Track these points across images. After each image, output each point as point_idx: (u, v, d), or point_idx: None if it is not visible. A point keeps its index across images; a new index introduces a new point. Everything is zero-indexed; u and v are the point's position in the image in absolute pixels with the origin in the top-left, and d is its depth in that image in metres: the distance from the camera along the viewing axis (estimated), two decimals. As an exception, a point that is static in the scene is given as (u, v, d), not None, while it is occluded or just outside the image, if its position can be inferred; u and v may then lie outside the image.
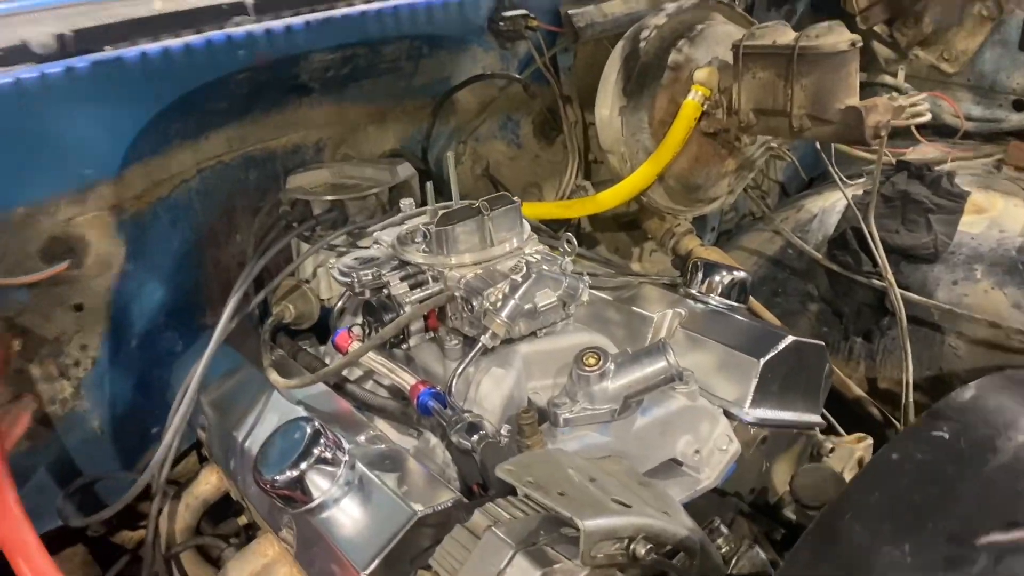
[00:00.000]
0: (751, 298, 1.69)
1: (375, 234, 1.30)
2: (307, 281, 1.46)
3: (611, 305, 1.32)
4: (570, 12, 1.67)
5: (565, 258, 1.23)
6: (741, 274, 1.34)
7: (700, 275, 1.34)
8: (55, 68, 1.20)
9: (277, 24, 1.38)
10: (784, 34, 1.43)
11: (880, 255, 1.56)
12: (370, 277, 1.20)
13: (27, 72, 1.18)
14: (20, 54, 1.23)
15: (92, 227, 1.30)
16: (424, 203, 1.32)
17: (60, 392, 1.34)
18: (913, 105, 1.44)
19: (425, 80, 1.67)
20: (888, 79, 2.15)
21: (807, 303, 1.83)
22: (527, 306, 1.14)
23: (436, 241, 1.19)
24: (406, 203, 1.36)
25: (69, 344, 1.33)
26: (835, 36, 1.36)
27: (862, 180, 1.91)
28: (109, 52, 1.25)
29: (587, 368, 1.04)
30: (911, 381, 1.52)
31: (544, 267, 1.18)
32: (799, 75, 1.38)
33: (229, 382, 1.32)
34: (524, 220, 1.26)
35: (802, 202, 2.01)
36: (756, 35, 1.45)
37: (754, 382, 1.15)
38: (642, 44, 1.56)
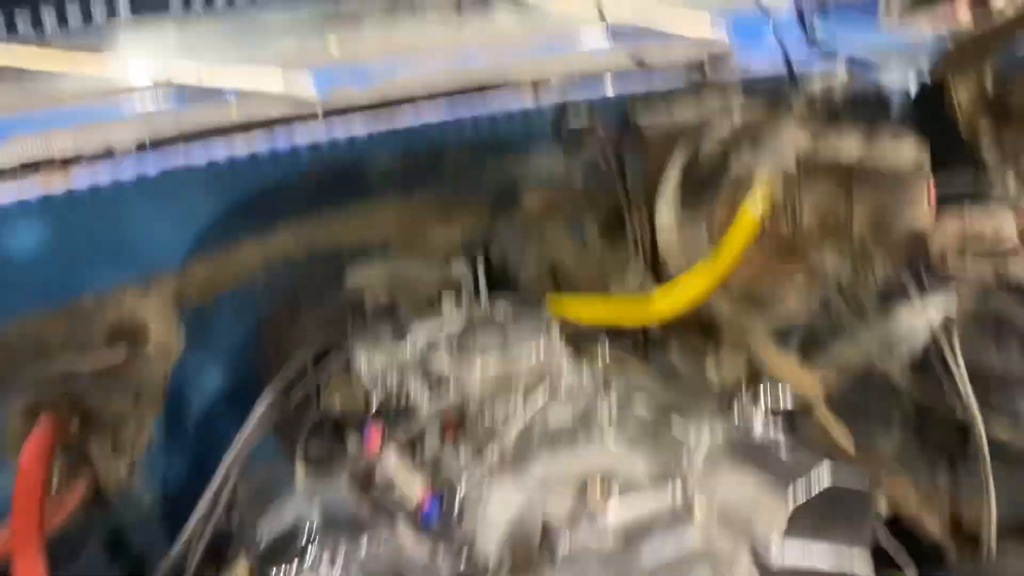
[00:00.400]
0: (827, 413, 1.59)
1: (411, 335, 1.32)
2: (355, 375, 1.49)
3: (646, 420, 1.28)
4: (638, 116, 1.66)
5: (593, 369, 1.21)
6: (790, 398, 1.27)
7: (746, 395, 1.28)
8: (128, 172, 1.31)
9: (341, 133, 1.46)
10: (851, 145, 1.37)
11: (962, 382, 1.43)
12: (393, 381, 1.22)
13: (104, 175, 1.30)
14: (103, 158, 1.35)
15: (154, 316, 1.38)
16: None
17: (115, 470, 1.42)
18: (996, 225, 1.34)
19: (491, 182, 1.70)
20: (999, 188, 2.01)
21: (890, 427, 1.69)
22: (539, 423, 1.11)
23: (458, 348, 1.19)
24: (447, 304, 1.38)
25: (126, 425, 1.41)
26: (899, 153, 1.29)
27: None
28: (179, 159, 1.35)
29: (590, 498, 1.01)
30: (994, 522, 1.37)
31: (565, 380, 1.16)
32: (860, 193, 1.32)
33: (266, 472, 1.35)
34: (554, 328, 1.25)
35: (899, 311, 1.88)
36: (821, 145, 1.40)
37: (783, 521, 1.06)
38: (703, 149, 1.54)
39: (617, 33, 1.95)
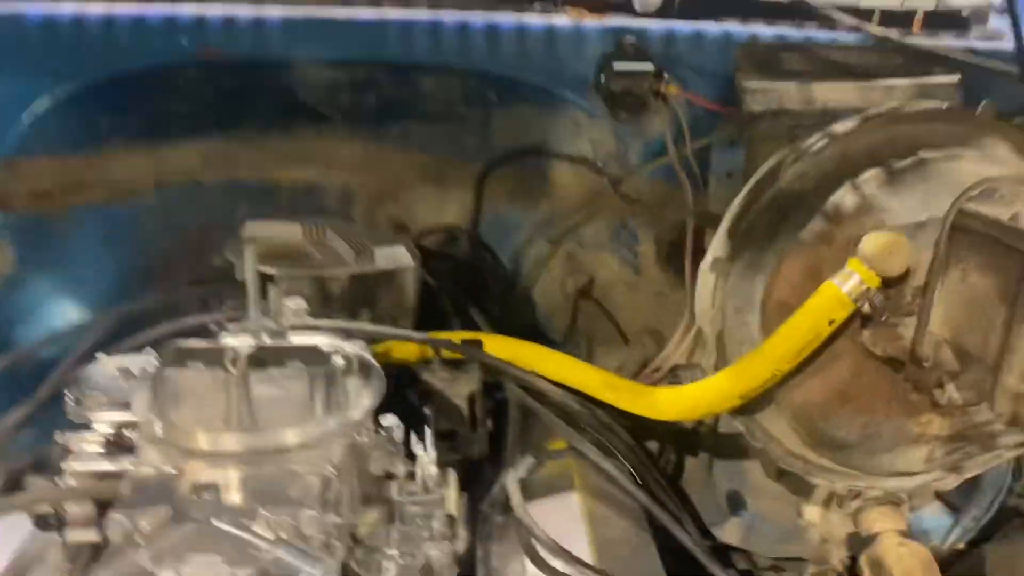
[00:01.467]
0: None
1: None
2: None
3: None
4: (747, 85, 1.00)
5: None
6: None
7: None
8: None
9: (244, 11, 0.98)
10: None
11: None
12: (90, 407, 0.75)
13: None
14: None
15: None
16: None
17: None
18: None
19: (506, 139, 1.14)
20: None
21: None
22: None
23: (155, 392, 0.70)
24: (292, 304, 0.88)
25: None
26: None
27: None
28: (6, 7, 0.97)
29: None
30: None
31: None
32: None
33: None
34: (364, 398, 0.71)
35: None
36: (994, 196, 0.67)
37: None
38: (796, 161, 0.85)
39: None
